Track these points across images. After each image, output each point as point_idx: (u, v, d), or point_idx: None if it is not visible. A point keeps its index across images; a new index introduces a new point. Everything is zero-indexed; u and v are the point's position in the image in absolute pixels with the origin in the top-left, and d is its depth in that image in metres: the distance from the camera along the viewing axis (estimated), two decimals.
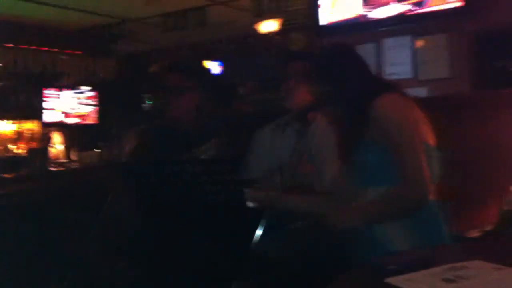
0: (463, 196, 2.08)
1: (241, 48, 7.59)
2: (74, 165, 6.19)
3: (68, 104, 7.06)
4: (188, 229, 2.27)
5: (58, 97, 7.01)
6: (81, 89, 7.14)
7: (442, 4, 3.22)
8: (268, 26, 6.16)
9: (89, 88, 7.20)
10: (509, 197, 2.34)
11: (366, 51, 3.19)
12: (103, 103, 7.20)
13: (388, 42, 3.55)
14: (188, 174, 2.19)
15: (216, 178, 2.13)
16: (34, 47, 7.10)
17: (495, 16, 3.07)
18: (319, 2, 3.65)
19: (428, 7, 3.27)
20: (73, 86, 7.23)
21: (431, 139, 1.87)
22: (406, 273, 1.19)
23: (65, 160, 6.41)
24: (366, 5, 3.47)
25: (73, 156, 6.44)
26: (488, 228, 2.32)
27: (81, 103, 7.14)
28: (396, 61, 3.52)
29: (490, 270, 1.21)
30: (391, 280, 1.16)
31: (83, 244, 2.40)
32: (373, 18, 3.47)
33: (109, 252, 2.38)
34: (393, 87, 1.94)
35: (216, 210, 2.12)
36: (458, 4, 3.16)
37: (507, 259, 1.24)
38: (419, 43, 3.44)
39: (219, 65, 7.88)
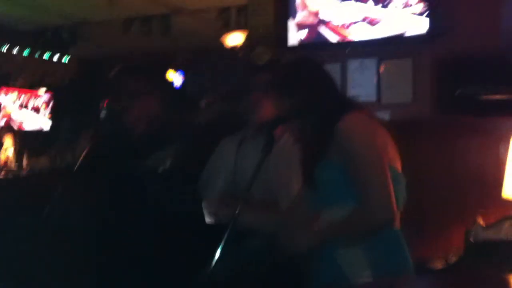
0: (426, 224, 2.04)
1: (204, 59, 7.52)
2: (24, 171, 5.96)
3: (20, 106, 6.77)
4: (138, 240, 2.16)
5: (10, 98, 6.71)
6: (35, 90, 6.87)
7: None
8: (234, 39, 6.13)
9: (44, 89, 6.95)
10: (475, 228, 2.31)
11: (330, 71, 3.17)
12: (57, 106, 6.96)
13: (353, 64, 3.54)
14: (141, 183, 2.08)
15: (171, 189, 2.03)
16: None
17: (459, 42, 3.09)
18: (288, 19, 3.60)
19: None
20: (27, 86, 6.96)
21: (397, 163, 1.82)
22: None
23: (14, 165, 6.15)
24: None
25: (24, 161, 6.19)
26: (452, 260, 2.28)
27: (34, 105, 6.87)
28: (360, 83, 3.50)
29: None
30: None
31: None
32: (339, 39, 3.45)
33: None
34: (360, 106, 1.89)
35: (172, 223, 2.02)
36: (422, 29, 3.17)
37: None
38: (384, 66, 3.44)
39: (180, 74, 7.78)
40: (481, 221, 2.36)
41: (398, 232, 1.78)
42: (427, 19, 3.14)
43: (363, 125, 1.78)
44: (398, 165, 1.83)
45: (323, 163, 1.79)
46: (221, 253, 1.66)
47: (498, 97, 2.80)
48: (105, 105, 2.82)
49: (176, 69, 7.83)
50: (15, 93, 6.75)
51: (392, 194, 1.69)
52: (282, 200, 2.21)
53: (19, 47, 7.12)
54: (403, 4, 3.21)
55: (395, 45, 3.36)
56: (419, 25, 3.17)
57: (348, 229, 1.75)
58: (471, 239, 2.28)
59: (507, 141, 2.46)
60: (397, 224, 1.77)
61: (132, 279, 2.01)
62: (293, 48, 3.59)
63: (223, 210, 2.10)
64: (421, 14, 3.16)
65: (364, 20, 3.34)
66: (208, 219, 2.17)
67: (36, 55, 7.33)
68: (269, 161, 1.93)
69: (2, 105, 6.60)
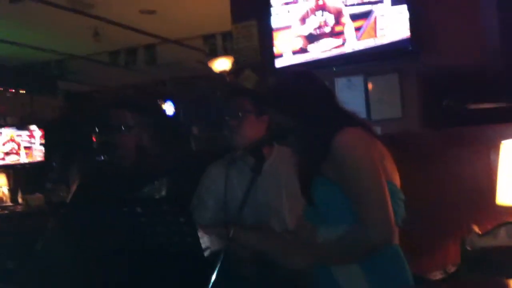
0: (423, 236, 2.04)
1: (191, 86, 7.57)
2: (19, 208, 5.92)
3: (12, 144, 6.74)
4: (133, 274, 2.13)
5: (1, 136, 6.69)
6: (26, 128, 6.85)
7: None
8: (221, 64, 6.18)
9: (34, 126, 6.93)
10: (471, 237, 2.30)
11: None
12: (49, 142, 6.94)
13: (341, 82, 3.55)
14: (132, 215, 2.06)
15: (163, 219, 2.00)
16: None
17: (442, 55, 3.10)
18: (272, 42, 3.63)
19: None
20: (17, 125, 6.94)
21: (396, 178, 1.78)
22: None
23: (9, 204, 6.11)
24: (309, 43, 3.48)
25: (19, 198, 6.15)
26: (451, 269, 2.27)
27: (27, 142, 6.85)
28: (349, 101, 3.50)
29: None
30: None
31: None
32: (325, 57, 3.47)
33: None
34: (358, 121, 1.83)
35: (165, 254, 1.99)
36: (403, 44, 3.18)
37: None
38: (371, 83, 3.45)
39: (170, 104, 7.80)
40: (476, 229, 2.35)
41: (397, 247, 1.75)
42: (409, 35, 3.16)
43: (359, 139, 1.72)
44: (397, 181, 1.78)
45: (319, 179, 1.76)
46: (216, 278, 1.63)
47: (484, 106, 2.81)
48: (94, 138, 2.81)
49: (166, 99, 7.85)
50: (6, 131, 6.73)
51: (391, 211, 1.64)
52: (273, 219, 2.20)
53: (7, 85, 7.13)
54: (381, 29, 3.22)
55: (381, 62, 3.37)
56: (402, 41, 3.19)
57: (344, 248, 1.71)
58: (468, 248, 2.27)
59: (497, 149, 2.47)
60: (396, 239, 1.73)
61: None
62: (281, 69, 3.61)
63: (216, 235, 2.08)
64: (402, 30, 3.19)
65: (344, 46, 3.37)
66: (202, 245, 2.15)
67: (25, 92, 7.33)
68: (259, 181, 1.92)
69: None
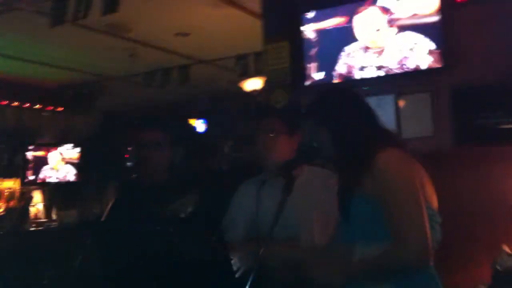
0: (453, 255, 2.02)
1: (223, 106, 7.66)
2: (53, 223, 6.06)
3: (50, 162, 6.92)
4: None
5: (40, 155, 6.87)
6: (63, 147, 7.03)
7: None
8: (252, 84, 6.24)
9: (72, 145, 7.11)
10: (501, 256, 2.28)
11: None
12: (85, 160, 7.10)
13: (372, 101, 3.56)
14: (163, 231, 2.10)
15: (193, 235, 2.04)
16: (15, 104, 7.07)
17: (472, 73, 3.10)
18: (303, 62, 3.68)
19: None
20: (55, 143, 7.13)
21: (434, 202, 1.78)
22: None
23: (45, 219, 6.25)
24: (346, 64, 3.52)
25: (53, 214, 6.29)
26: None
27: (63, 160, 7.01)
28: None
29: None
30: None
31: None
32: (355, 77, 3.50)
33: None
34: (398, 141, 1.83)
35: (196, 269, 2.03)
36: (435, 63, 3.20)
37: None
38: (403, 101, 3.46)
39: (203, 122, 7.91)
40: (507, 249, 2.32)
41: (432, 268, 1.73)
42: (439, 53, 3.17)
43: (401, 161, 1.72)
44: (435, 204, 1.79)
45: (356, 197, 1.75)
46: None
47: None
48: (127, 156, 2.87)
49: (198, 117, 7.96)
50: (44, 149, 6.91)
51: (429, 233, 1.64)
52: (305, 237, 2.21)
53: (45, 105, 7.35)
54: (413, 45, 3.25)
55: (411, 81, 3.39)
56: (432, 60, 3.21)
57: (379, 266, 1.70)
58: (499, 268, 2.24)
59: None
60: (432, 261, 1.70)
61: None
62: (310, 88, 3.65)
63: (247, 253, 2.11)
64: (432, 49, 3.20)
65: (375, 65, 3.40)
66: (233, 262, 2.18)
67: (62, 111, 7.55)
68: (290, 200, 1.94)
69: (31, 162, 6.77)
